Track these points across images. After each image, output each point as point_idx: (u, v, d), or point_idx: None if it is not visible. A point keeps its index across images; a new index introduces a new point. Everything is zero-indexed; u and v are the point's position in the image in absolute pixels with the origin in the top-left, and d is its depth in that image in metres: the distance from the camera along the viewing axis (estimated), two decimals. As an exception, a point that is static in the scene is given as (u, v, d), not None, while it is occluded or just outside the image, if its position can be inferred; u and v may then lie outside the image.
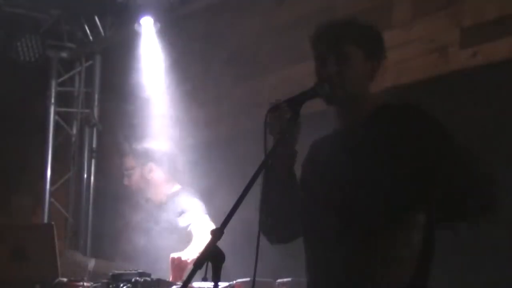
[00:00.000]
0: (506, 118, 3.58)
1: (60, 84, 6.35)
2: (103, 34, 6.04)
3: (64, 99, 6.37)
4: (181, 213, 4.29)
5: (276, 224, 2.53)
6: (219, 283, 2.02)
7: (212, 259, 2.02)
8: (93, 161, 6.33)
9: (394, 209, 2.30)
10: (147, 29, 5.41)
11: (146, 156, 4.48)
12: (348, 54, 2.46)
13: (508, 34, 3.66)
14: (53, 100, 6.24)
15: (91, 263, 4.69)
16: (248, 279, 3.40)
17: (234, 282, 3.47)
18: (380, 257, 2.33)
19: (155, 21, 5.38)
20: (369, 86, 2.52)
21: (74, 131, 6.44)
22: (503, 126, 3.59)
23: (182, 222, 4.25)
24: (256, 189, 2.32)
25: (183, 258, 3.85)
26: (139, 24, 5.41)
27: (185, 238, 4.13)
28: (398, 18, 4.22)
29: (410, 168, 2.27)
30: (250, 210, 2.40)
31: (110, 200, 5.69)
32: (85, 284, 3.86)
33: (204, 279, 2.00)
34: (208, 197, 4.42)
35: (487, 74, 3.72)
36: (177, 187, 4.48)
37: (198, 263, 2.00)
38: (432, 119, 2.36)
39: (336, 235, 2.39)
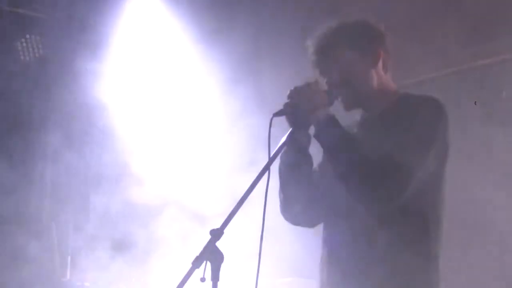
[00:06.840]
0: None
1: (60, 84, 6.32)
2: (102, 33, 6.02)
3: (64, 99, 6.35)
4: None
5: (294, 206, 2.57)
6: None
7: (211, 259, 2.01)
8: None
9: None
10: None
11: None
12: (338, 59, 2.50)
13: None
14: (53, 100, 6.22)
15: None
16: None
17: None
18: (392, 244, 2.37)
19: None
20: (382, 78, 2.57)
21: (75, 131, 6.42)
22: None
23: None
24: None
25: None
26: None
27: None
28: None
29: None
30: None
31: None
32: (85, 284, 3.86)
33: (202, 279, 1.99)
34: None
35: None
36: None
37: (197, 262, 1.99)
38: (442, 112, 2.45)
39: (351, 218, 2.44)
